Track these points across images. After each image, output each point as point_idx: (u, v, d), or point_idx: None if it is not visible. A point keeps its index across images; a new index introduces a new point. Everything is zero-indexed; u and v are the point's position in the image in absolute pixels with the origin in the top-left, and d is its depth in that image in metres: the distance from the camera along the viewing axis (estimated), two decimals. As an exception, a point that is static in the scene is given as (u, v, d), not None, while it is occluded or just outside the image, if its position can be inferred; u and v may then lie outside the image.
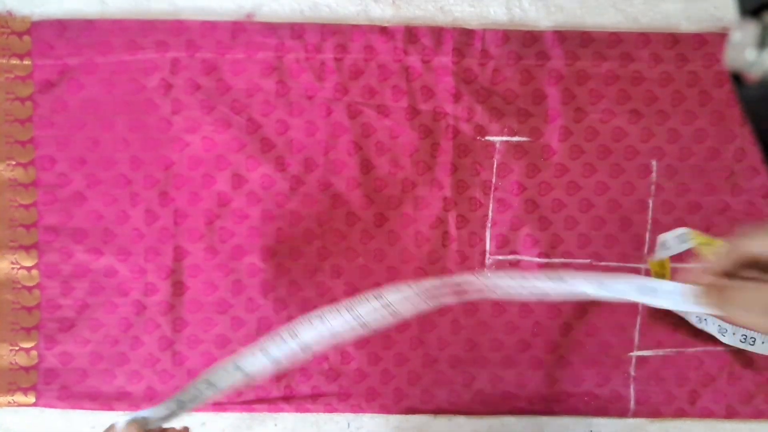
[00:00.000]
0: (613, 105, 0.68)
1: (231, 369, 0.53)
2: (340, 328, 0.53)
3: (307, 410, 0.69)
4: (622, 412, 0.70)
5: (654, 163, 0.68)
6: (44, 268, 0.68)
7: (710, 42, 0.67)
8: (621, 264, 0.69)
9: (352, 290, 0.69)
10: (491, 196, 0.69)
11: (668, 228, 0.68)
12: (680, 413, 0.70)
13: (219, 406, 0.69)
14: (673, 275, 0.67)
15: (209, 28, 0.66)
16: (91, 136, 0.67)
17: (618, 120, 0.68)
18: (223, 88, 0.67)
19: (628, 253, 0.69)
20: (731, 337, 0.65)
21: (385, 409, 0.70)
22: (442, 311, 0.69)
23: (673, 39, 0.67)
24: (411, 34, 0.67)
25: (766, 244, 0.43)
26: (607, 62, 0.67)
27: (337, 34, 0.67)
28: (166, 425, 0.54)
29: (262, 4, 0.67)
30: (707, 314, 0.65)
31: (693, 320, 0.67)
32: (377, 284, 0.69)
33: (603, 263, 0.69)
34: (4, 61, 0.66)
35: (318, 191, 0.68)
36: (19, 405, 0.69)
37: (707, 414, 0.70)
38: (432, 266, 0.69)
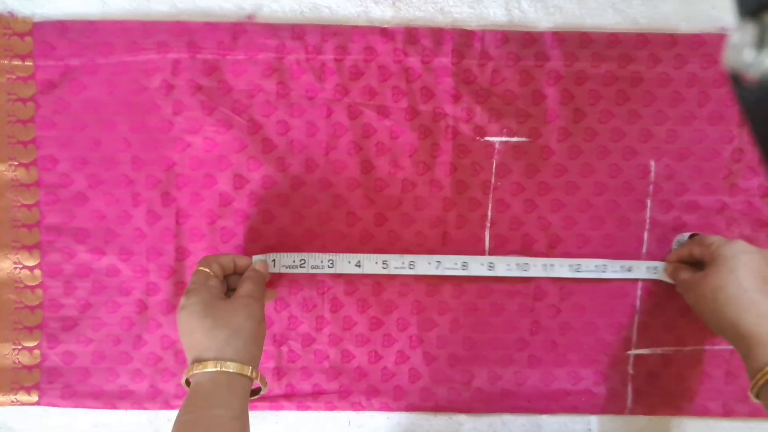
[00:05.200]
0: (611, 105, 0.68)
1: None
2: None
3: (308, 408, 0.70)
4: (620, 410, 0.71)
5: (652, 163, 0.69)
6: (46, 268, 0.68)
7: (709, 43, 0.67)
8: (629, 261, 0.69)
9: (353, 290, 0.69)
10: (490, 196, 0.69)
11: (667, 228, 0.69)
12: (678, 411, 0.71)
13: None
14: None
15: (210, 29, 0.67)
16: (92, 136, 0.67)
17: (617, 120, 0.68)
18: (224, 88, 0.67)
19: (627, 252, 0.69)
20: None
21: (386, 407, 0.70)
22: (442, 310, 0.69)
23: (672, 40, 0.67)
24: (411, 35, 0.67)
25: (696, 249, 0.65)
26: (606, 63, 0.68)
27: (337, 35, 0.67)
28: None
29: (262, 5, 0.67)
30: None
31: None
32: (377, 284, 0.69)
33: (611, 261, 0.69)
34: (5, 62, 0.66)
35: (318, 191, 0.68)
36: (22, 404, 0.69)
37: (704, 412, 0.71)
38: (432, 266, 0.69)
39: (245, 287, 0.60)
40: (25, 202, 0.68)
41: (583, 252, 0.69)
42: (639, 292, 0.70)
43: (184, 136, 0.68)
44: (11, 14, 0.66)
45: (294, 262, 0.67)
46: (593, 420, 0.72)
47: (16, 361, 0.69)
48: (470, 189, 0.69)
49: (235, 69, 0.67)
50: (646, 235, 0.69)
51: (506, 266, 0.68)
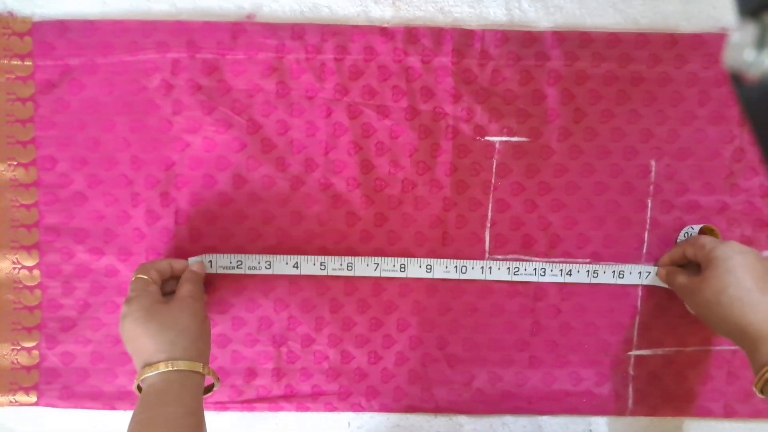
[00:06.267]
0: (612, 105, 0.68)
1: None
2: None
3: (308, 409, 0.70)
4: (621, 411, 0.71)
5: (653, 163, 0.68)
6: (45, 268, 0.68)
7: (709, 42, 0.67)
8: (620, 264, 0.69)
9: (353, 289, 0.69)
10: (491, 196, 0.69)
11: (667, 228, 0.69)
12: (679, 412, 0.71)
13: (220, 405, 0.69)
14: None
15: (210, 28, 0.66)
16: (92, 136, 0.67)
17: (617, 120, 0.68)
18: (224, 88, 0.67)
19: (628, 252, 0.69)
20: None
21: (386, 408, 0.70)
22: (442, 311, 0.69)
23: (672, 39, 0.67)
24: (411, 34, 0.67)
25: (689, 250, 0.65)
26: (606, 63, 0.67)
27: (337, 34, 0.67)
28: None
29: (262, 4, 0.67)
30: None
31: None
32: (377, 284, 0.69)
33: (602, 263, 0.69)
34: (5, 61, 0.66)
35: (318, 191, 0.68)
36: (21, 404, 0.69)
37: (706, 413, 0.71)
38: (432, 266, 0.69)
39: (185, 288, 0.61)
40: (24, 202, 0.67)
41: (583, 252, 0.69)
42: (640, 293, 0.70)
43: (184, 136, 0.67)
44: (11, 14, 0.66)
45: (231, 263, 0.67)
46: (594, 421, 0.71)
47: (15, 361, 0.68)
48: (470, 189, 0.69)
49: (234, 69, 0.67)
50: (646, 235, 0.69)
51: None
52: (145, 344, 0.56)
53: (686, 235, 0.68)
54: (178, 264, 0.65)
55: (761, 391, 0.56)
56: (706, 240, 0.64)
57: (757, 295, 0.58)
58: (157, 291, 0.61)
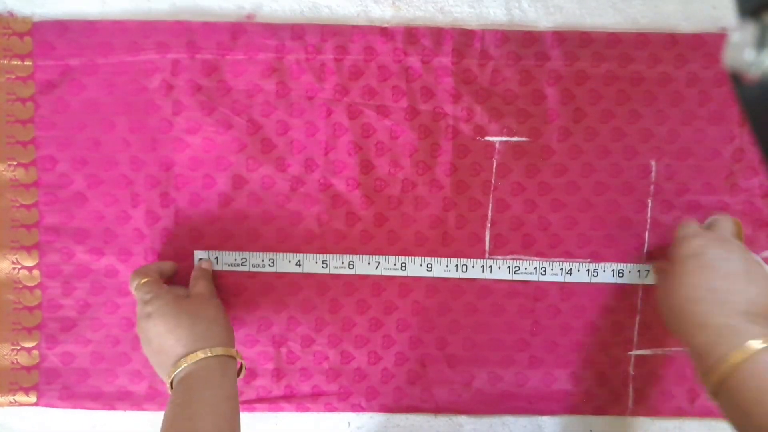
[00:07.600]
0: (612, 105, 0.68)
1: None
2: None
3: (308, 409, 0.70)
4: (621, 411, 0.71)
5: (653, 163, 0.68)
6: (45, 269, 0.68)
7: (709, 42, 0.67)
8: (621, 264, 0.69)
9: (352, 290, 0.69)
10: (491, 196, 0.69)
11: (668, 228, 0.69)
12: (679, 412, 0.71)
13: (220, 405, 0.69)
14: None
15: (210, 29, 0.66)
16: (92, 136, 0.67)
17: (617, 120, 0.68)
18: (224, 89, 0.67)
19: (628, 252, 0.69)
20: None
21: (386, 409, 0.70)
22: (442, 311, 0.69)
23: (672, 39, 0.67)
24: (411, 34, 0.67)
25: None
26: (606, 62, 0.67)
27: (337, 35, 0.67)
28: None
29: (262, 4, 0.67)
30: None
31: None
32: (377, 284, 0.69)
33: (602, 263, 0.69)
34: (5, 61, 0.66)
35: (318, 191, 0.68)
36: (21, 405, 0.69)
37: (706, 413, 0.70)
38: (432, 266, 0.69)
39: (200, 285, 0.63)
40: (24, 203, 0.67)
41: (583, 252, 0.69)
42: (640, 293, 0.69)
43: (184, 137, 0.67)
44: (11, 14, 0.66)
45: (235, 260, 0.68)
46: (594, 421, 0.71)
47: (15, 361, 0.68)
48: (470, 189, 0.69)
49: (234, 69, 0.67)
50: (647, 235, 0.69)
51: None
52: (180, 335, 0.57)
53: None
54: (166, 266, 0.66)
55: (715, 395, 0.54)
56: (684, 231, 0.61)
57: (687, 306, 0.56)
58: (172, 288, 0.62)
